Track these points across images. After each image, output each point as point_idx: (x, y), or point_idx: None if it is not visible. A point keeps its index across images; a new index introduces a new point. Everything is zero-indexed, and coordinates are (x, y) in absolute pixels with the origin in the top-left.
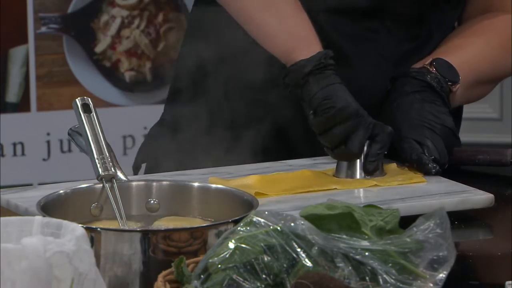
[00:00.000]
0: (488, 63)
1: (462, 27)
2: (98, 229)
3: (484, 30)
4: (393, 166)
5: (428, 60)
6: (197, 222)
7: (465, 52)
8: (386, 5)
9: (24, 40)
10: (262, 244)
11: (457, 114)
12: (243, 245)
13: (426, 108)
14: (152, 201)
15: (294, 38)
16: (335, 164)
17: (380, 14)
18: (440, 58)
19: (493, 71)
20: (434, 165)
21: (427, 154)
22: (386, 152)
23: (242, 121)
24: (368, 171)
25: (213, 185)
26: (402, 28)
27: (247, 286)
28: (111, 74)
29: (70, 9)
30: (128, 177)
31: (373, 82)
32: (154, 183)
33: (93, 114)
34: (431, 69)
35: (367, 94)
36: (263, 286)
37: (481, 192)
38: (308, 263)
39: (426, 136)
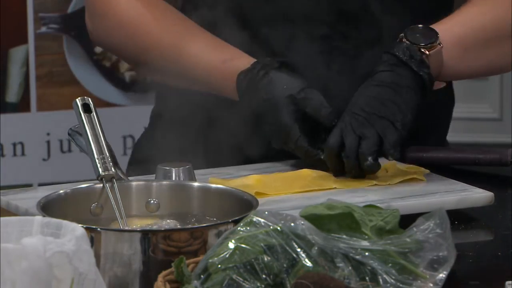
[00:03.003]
0: (493, 20)
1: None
2: (98, 229)
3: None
4: (393, 165)
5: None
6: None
7: (466, 12)
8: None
9: (24, 40)
10: (262, 244)
11: (447, 111)
12: (243, 245)
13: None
14: (152, 201)
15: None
16: None
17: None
18: (414, 26)
19: (499, 27)
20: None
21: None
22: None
23: (240, 121)
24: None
25: (213, 185)
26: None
27: (247, 286)
28: (111, 74)
29: (70, 9)
30: (128, 177)
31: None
32: (154, 183)
33: (93, 114)
34: (403, 40)
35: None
36: (263, 286)
37: (481, 190)
38: (308, 263)
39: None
